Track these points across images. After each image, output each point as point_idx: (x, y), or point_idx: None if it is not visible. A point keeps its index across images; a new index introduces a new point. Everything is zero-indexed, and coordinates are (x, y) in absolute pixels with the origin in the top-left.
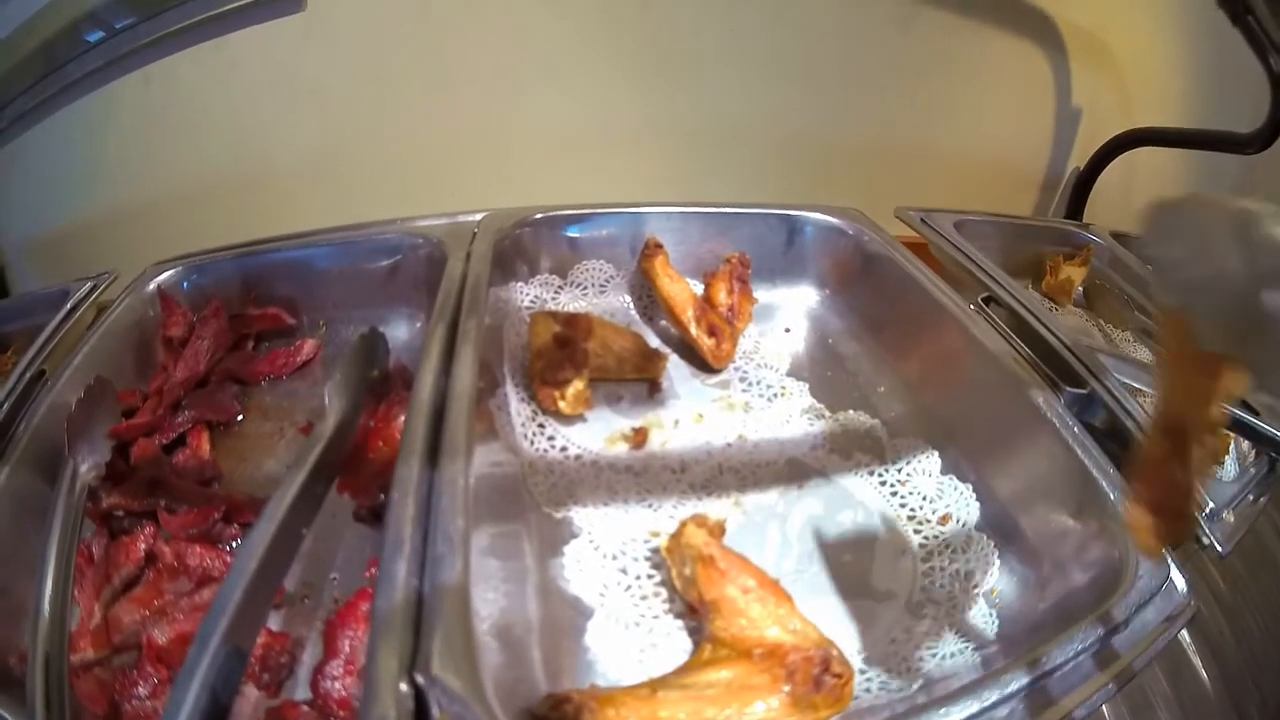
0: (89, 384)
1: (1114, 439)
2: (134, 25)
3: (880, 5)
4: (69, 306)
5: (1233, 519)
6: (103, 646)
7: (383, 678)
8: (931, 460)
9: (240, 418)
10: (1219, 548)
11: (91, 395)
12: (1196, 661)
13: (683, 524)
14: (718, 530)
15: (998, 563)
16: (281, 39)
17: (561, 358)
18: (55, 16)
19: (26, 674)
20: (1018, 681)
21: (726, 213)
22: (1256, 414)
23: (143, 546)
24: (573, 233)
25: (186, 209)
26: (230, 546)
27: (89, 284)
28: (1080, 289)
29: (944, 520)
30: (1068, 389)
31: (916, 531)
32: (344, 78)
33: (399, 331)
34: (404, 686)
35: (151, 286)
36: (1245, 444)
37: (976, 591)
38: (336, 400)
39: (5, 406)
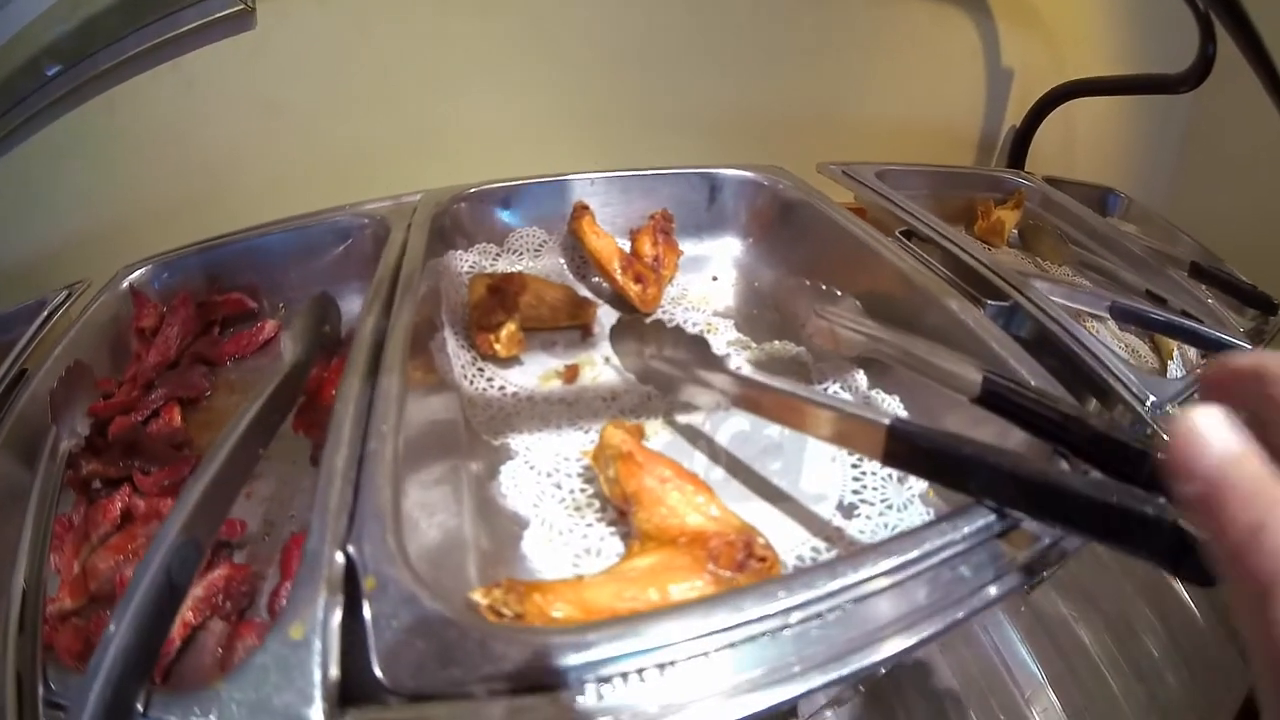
0: (68, 366)
1: (1041, 348)
2: (93, 54)
3: None
4: (46, 313)
5: (1178, 413)
6: (80, 596)
7: (318, 549)
8: (858, 377)
9: (209, 394)
10: (1164, 435)
11: (71, 376)
12: (1179, 588)
13: (605, 428)
14: (635, 431)
15: None
16: (234, 57)
17: (494, 303)
18: (14, 53)
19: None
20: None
21: (649, 174)
22: (1201, 321)
23: (119, 505)
24: (506, 203)
25: (155, 224)
26: None
27: (64, 292)
28: (1015, 231)
29: None
30: (989, 302)
31: None
32: (295, 89)
33: (352, 305)
34: (338, 557)
35: (124, 284)
36: (1192, 351)
37: (911, 492)
38: (291, 344)
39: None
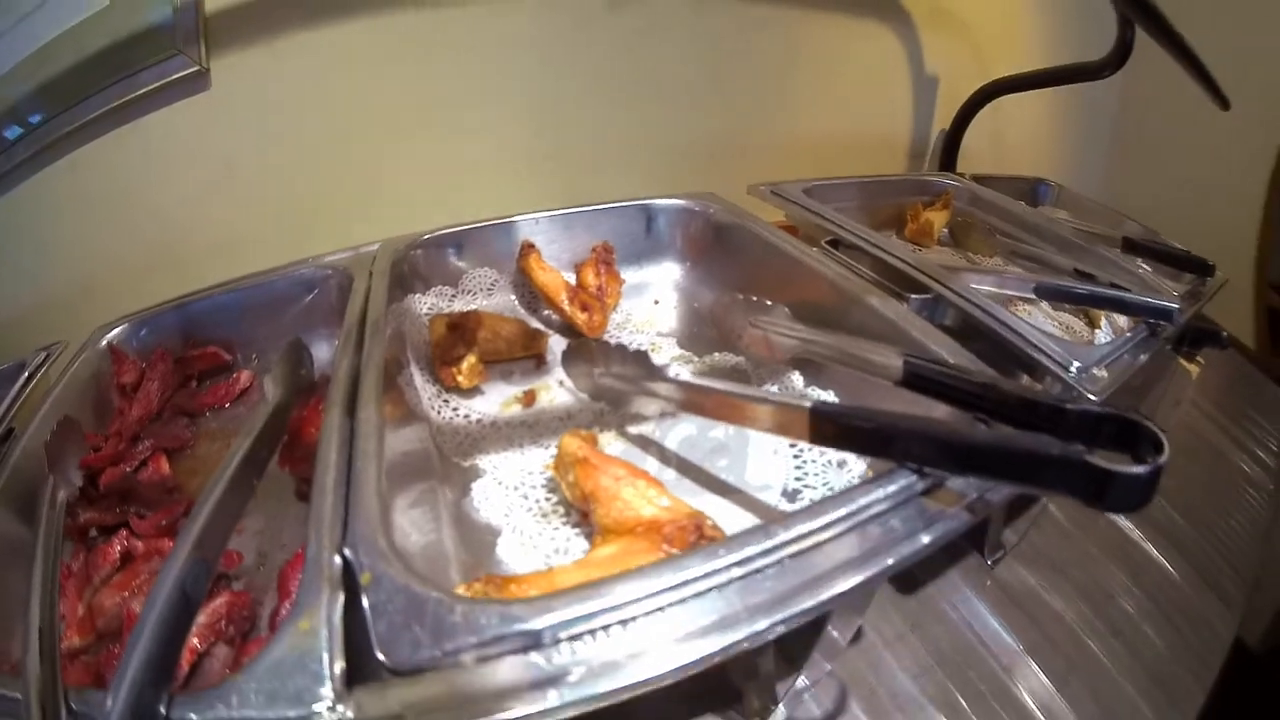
0: (59, 420)
1: (966, 334)
2: (55, 117)
3: (732, 14)
4: (27, 374)
5: (1105, 374)
6: (88, 633)
7: (318, 554)
8: (794, 378)
9: (192, 443)
10: (1090, 395)
11: (62, 430)
12: (1149, 548)
13: (562, 439)
14: (590, 438)
15: None
16: (191, 117)
17: (454, 339)
18: None
19: (22, 676)
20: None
21: (588, 211)
22: (1128, 290)
23: (118, 547)
24: (458, 247)
25: (122, 284)
26: None
27: (43, 354)
28: (945, 230)
29: None
30: (912, 296)
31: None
32: (251, 146)
33: (320, 352)
34: (336, 559)
35: (103, 343)
36: (1122, 319)
37: (850, 475)
38: (273, 387)
39: None
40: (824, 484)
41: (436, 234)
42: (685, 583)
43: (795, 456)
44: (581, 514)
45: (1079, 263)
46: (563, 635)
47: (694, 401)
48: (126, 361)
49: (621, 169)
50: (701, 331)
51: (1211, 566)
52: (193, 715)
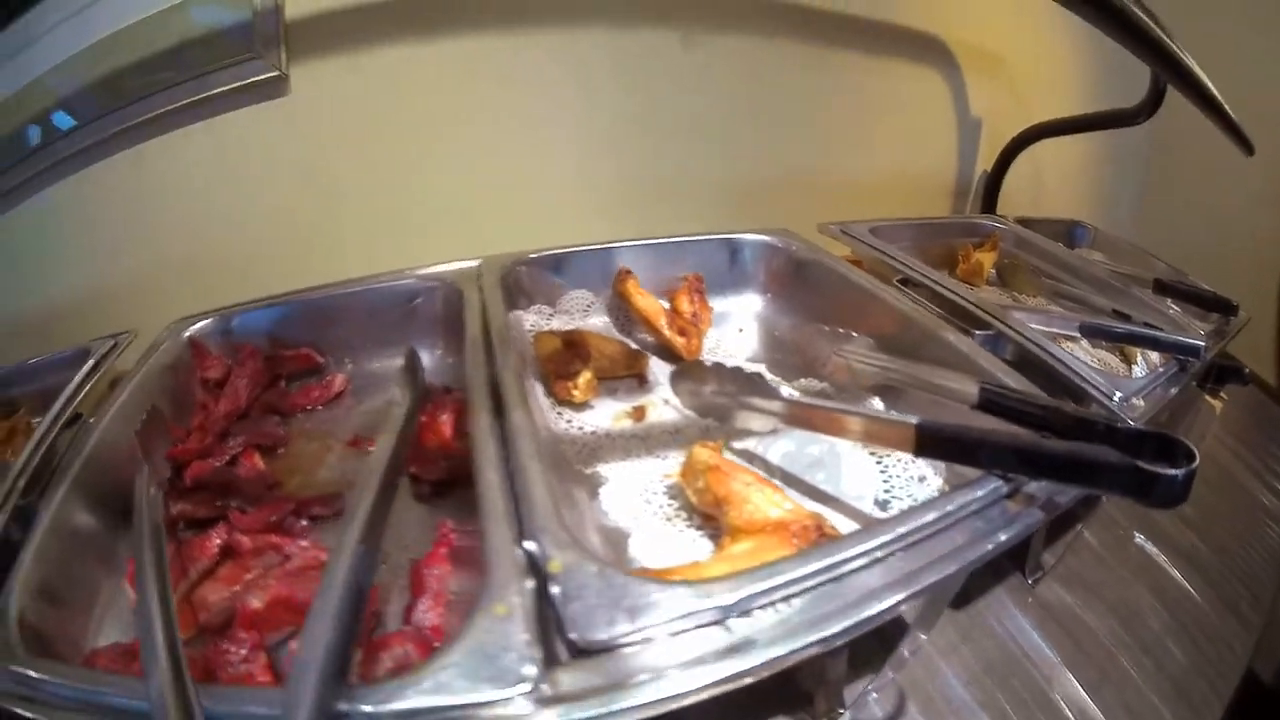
0: (149, 409)
1: (1023, 366)
2: (116, 109)
3: (791, 54)
4: (93, 362)
5: (1142, 403)
6: (190, 628)
7: (501, 545)
8: (875, 403)
9: (285, 442)
10: (1131, 422)
11: (152, 420)
12: (1174, 572)
13: (692, 449)
14: (718, 447)
15: (943, 465)
16: (267, 121)
17: (571, 355)
18: (28, 101)
19: (150, 670)
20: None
21: (678, 242)
22: (1161, 329)
23: (218, 541)
24: (558, 268)
25: (186, 280)
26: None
27: (110, 342)
28: (993, 271)
29: None
30: (976, 332)
31: (871, 453)
32: (328, 156)
33: (424, 363)
34: (520, 548)
35: (184, 336)
36: (1155, 355)
37: (930, 488)
38: (400, 391)
39: (45, 444)
40: (908, 495)
41: (540, 254)
42: (828, 567)
43: (881, 472)
44: (704, 517)
45: (1115, 303)
46: (735, 611)
47: (803, 417)
48: (209, 356)
49: (685, 200)
50: (785, 358)
51: (1231, 591)
52: (394, 704)
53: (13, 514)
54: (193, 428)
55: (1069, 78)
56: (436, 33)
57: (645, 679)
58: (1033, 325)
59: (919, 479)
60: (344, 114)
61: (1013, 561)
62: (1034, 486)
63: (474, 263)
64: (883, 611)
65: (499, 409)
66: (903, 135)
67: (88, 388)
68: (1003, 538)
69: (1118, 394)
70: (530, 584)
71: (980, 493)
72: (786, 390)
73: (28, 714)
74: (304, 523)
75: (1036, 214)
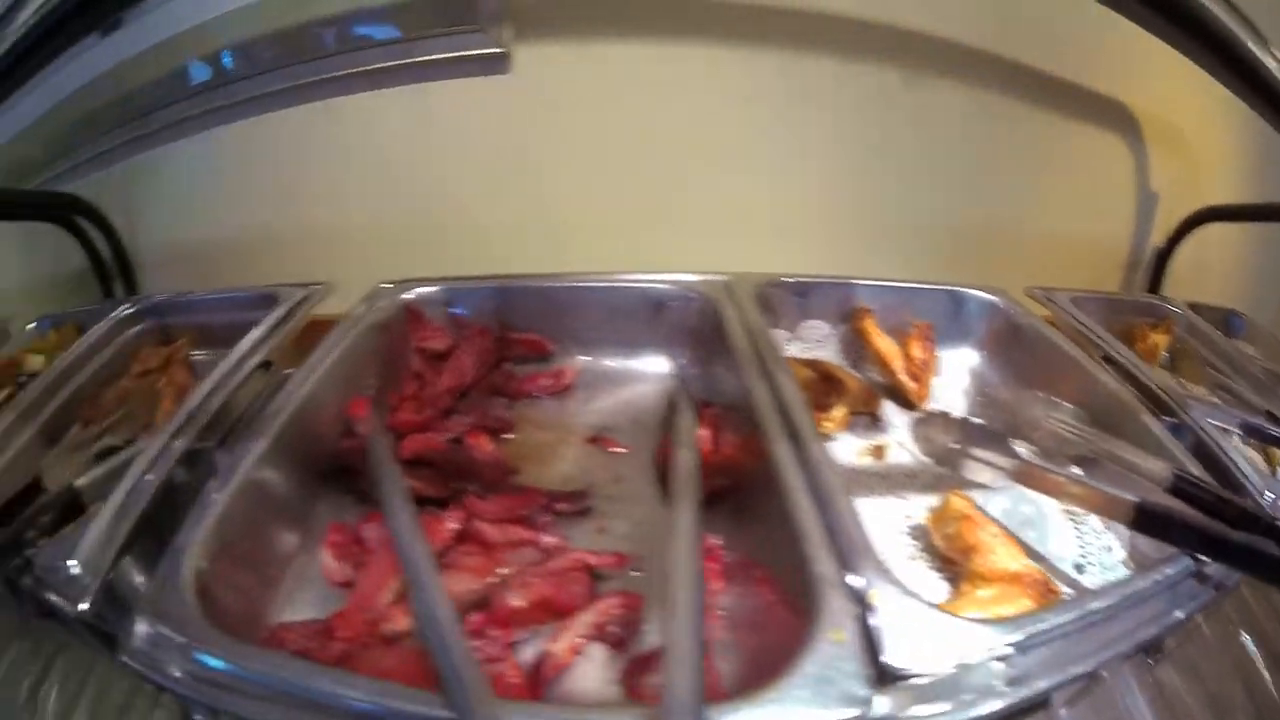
0: (380, 376)
1: (1198, 454)
2: (313, 60)
3: (997, 105)
4: (285, 309)
5: None
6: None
7: (828, 573)
8: (1072, 469)
9: (512, 428)
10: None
11: (382, 388)
12: (1266, 674)
13: (947, 497)
14: (970, 501)
15: (1125, 537)
16: (483, 96)
17: (827, 387)
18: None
19: (433, 648)
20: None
21: (910, 287)
22: None
23: (454, 525)
24: (803, 294)
25: (365, 239)
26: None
27: (302, 292)
28: (1165, 354)
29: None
30: (1165, 419)
31: (1070, 519)
32: (544, 142)
33: (661, 368)
34: (850, 578)
35: (400, 299)
36: None
37: (1116, 558)
38: (682, 401)
39: (229, 387)
40: (1100, 562)
41: (789, 279)
42: (1070, 620)
43: (1078, 538)
44: (945, 561)
45: (1269, 403)
46: (1022, 647)
47: (1031, 477)
48: (429, 326)
49: (886, 238)
50: (994, 415)
51: None
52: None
53: (183, 457)
54: (404, 397)
55: (1245, 162)
56: (669, 35)
57: (951, 703)
58: (1207, 419)
59: (1107, 548)
60: (567, 102)
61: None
62: (1212, 568)
63: (718, 277)
64: (1107, 662)
65: (794, 435)
66: (1082, 199)
67: (280, 334)
68: (1180, 615)
69: (1269, 494)
70: (855, 611)
71: (1170, 570)
72: (1022, 450)
73: (197, 698)
74: (547, 518)
75: (1196, 296)
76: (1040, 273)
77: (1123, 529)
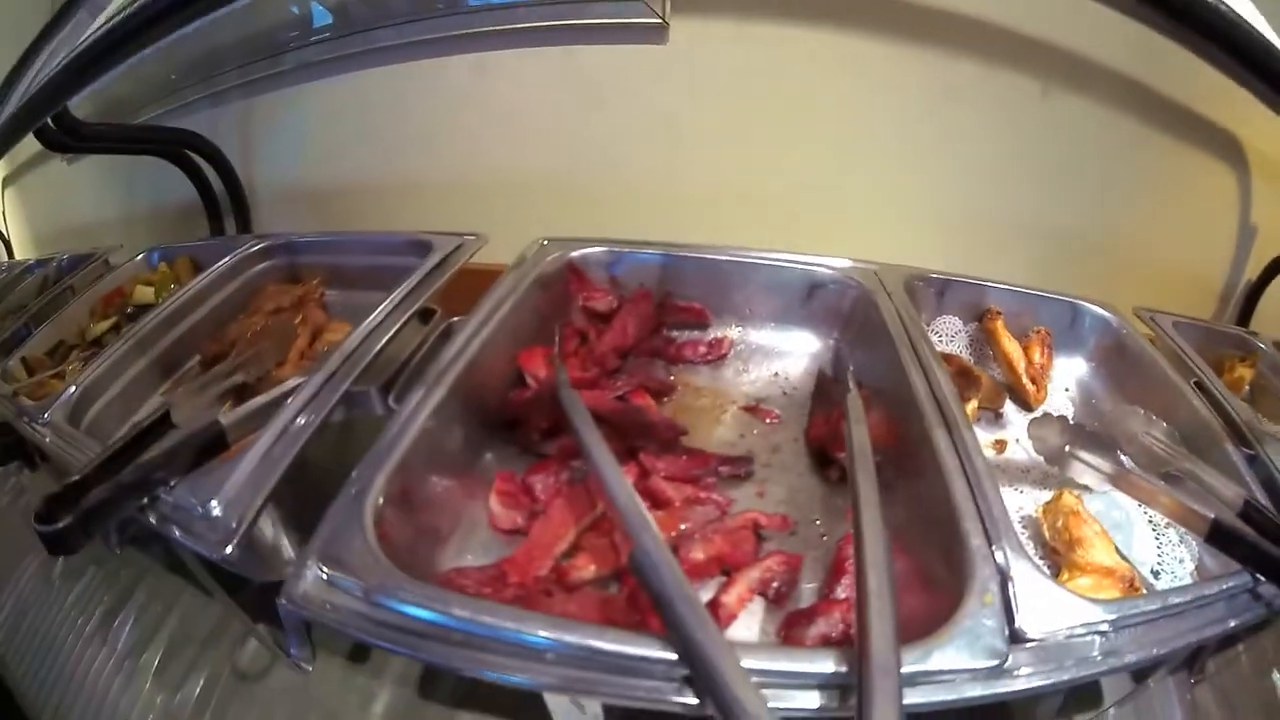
0: (560, 327)
1: (1267, 486)
2: (463, 13)
3: (1124, 124)
4: (439, 257)
5: None
6: (608, 565)
7: (981, 546)
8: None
9: (672, 392)
10: None
11: (563, 340)
12: None
13: (1058, 493)
14: (1079, 499)
15: (1198, 551)
16: (638, 64)
17: (964, 381)
18: None
19: (659, 588)
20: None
21: (1035, 295)
22: None
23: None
24: (941, 292)
25: (510, 195)
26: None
27: (457, 241)
28: (1248, 387)
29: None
30: (1243, 449)
31: (1152, 529)
32: (696, 112)
33: (812, 346)
34: (999, 552)
35: (565, 258)
36: None
37: (1187, 568)
38: (850, 382)
39: (391, 332)
40: (1173, 571)
41: (935, 275)
42: (1150, 610)
43: (1157, 547)
44: (1050, 551)
45: None
46: (1117, 626)
47: (1128, 484)
48: (592, 285)
49: (1005, 242)
50: (1096, 425)
51: None
52: (922, 665)
53: (344, 397)
54: (567, 353)
55: None
56: (823, 21)
57: (1058, 666)
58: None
59: (1180, 560)
60: (720, 77)
61: (1185, 661)
62: (1266, 589)
63: (868, 265)
64: (1173, 652)
65: (949, 423)
66: (1188, 225)
67: (437, 282)
68: (1233, 623)
69: None
70: (999, 580)
71: (1232, 583)
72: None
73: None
74: (712, 479)
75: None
76: (1142, 291)
77: (1194, 545)
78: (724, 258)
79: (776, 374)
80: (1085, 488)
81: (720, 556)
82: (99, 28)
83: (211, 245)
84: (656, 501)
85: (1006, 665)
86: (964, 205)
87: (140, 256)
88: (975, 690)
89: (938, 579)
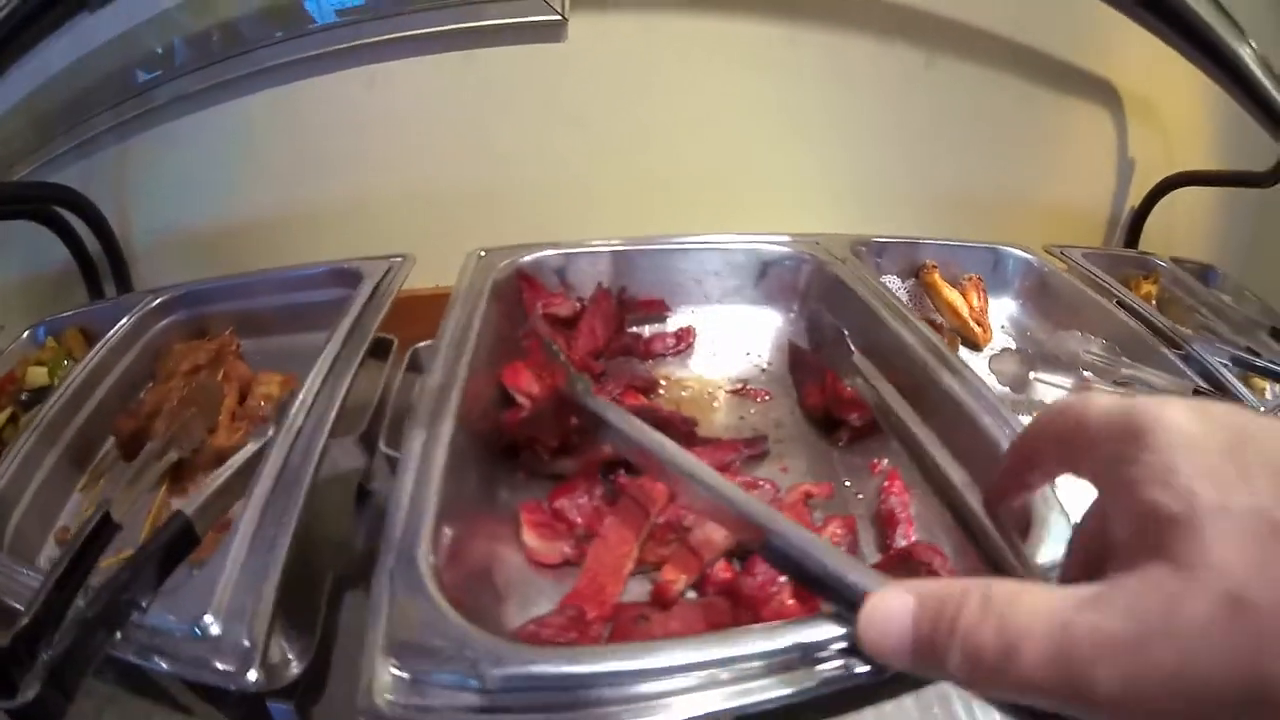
0: (547, 344)
1: (1204, 378)
2: (351, 24)
3: (1004, 83)
4: (372, 284)
5: None
6: (694, 570)
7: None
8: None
9: (654, 388)
10: None
11: (550, 354)
12: None
13: (1037, 418)
14: None
15: None
16: (538, 63)
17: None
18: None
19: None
20: None
21: (963, 246)
22: None
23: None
24: (880, 255)
25: (429, 208)
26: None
27: (383, 265)
28: (1154, 301)
29: None
30: (1174, 351)
31: None
32: (599, 109)
33: (775, 321)
34: None
35: (516, 265)
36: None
37: None
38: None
39: (348, 376)
40: None
41: (875, 239)
42: None
43: None
44: None
45: (1248, 341)
46: None
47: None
48: (546, 292)
49: (903, 204)
50: (1040, 353)
51: None
52: None
53: (324, 452)
54: (537, 363)
55: (1212, 133)
56: (721, 10)
57: None
58: (1204, 353)
59: None
60: (621, 71)
61: None
62: None
63: (809, 238)
64: None
65: (952, 368)
66: (1070, 166)
67: (380, 311)
68: None
69: (1262, 408)
70: None
71: None
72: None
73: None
74: (737, 464)
75: (1172, 253)
76: (1040, 230)
77: None
78: (673, 246)
79: (748, 353)
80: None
81: None
82: None
83: (101, 309)
84: None
85: None
86: (869, 175)
87: (25, 334)
88: None
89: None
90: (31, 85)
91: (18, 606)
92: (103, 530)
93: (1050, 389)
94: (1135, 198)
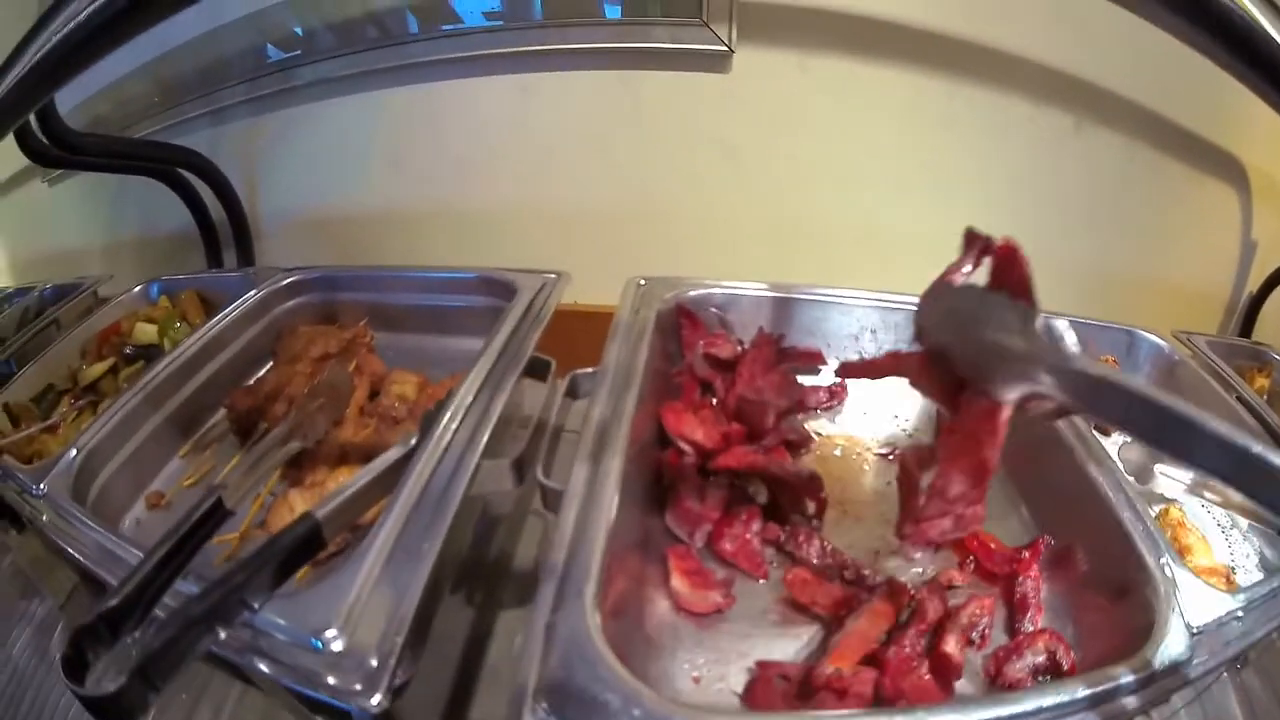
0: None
1: None
2: (509, 29)
3: (1140, 156)
4: (528, 300)
5: None
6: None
7: (1151, 564)
8: None
9: (810, 446)
10: None
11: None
12: None
13: (1164, 508)
14: (1184, 511)
15: (1260, 547)
16: (698, 91)
17: None
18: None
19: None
20: None
21: (1096, 324)
22: None
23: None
24: None
25: (557, 223)
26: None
27: (537, 280)
28: (1264, 395)
29: None
30: None
31: (1221, 529)
32: (754, 142)
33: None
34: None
35: (679, 299)
36: None
37: (1254, 563)
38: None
39: (504, 393)
40: (1243, 566)
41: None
42: (1259, 596)
43: (1228, 545)
44: None
45: None
46: (1247, 609)
47: (1208, 488)
48: (706, 329)
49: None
50: None
51: None
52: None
53: (475, 472)
54: (691, 404)
55: None
56: (881, 57)
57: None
58: None
59: (1247, 554)
60: (779, 108)
61: None
62: None
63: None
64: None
65: (1094, 457)
66: (1191, 244)
67: (536, 328)
68: None
69: None
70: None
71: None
72: None
73: None
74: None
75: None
76: (1155, 310)
77: (1255, 540)
78: (833, 299)
79: (895, 416)
80: (1173, 500)
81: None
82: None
83: (224, 279)
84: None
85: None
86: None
87: (138, 289)
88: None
89: (1118, 588)
90: (155, 52)
91: (100, 573)
92: (213, 514)
93: (1171, 483)
94: (1254, 282)
